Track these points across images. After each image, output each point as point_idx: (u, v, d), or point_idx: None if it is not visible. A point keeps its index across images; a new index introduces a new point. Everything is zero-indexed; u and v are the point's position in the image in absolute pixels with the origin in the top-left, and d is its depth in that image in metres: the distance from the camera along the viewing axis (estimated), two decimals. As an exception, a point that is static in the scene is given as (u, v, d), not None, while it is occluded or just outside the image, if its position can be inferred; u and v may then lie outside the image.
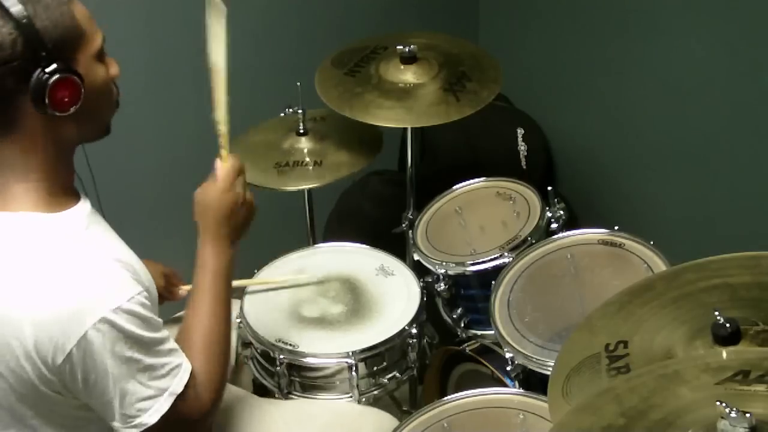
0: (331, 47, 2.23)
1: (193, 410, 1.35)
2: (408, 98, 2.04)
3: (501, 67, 2.13)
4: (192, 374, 1.34)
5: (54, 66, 1.21)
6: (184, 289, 1.83)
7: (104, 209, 1.44)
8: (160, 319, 1.32)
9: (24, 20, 1.18)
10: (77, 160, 1.37)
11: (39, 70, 1.20)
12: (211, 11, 1.44)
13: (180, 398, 1.31)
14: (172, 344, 1.33)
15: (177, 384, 1.31)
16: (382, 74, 2.10)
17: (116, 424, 1.29)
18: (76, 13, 1.25)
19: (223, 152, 1.50)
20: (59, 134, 1.28)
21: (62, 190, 1.31)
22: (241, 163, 1.50)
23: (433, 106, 2.02)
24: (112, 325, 1.22)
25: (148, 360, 1.27)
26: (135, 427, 1.29)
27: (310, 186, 2.13)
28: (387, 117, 2.02)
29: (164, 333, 1.32)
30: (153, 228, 2.46)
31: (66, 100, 1.23)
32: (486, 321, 1.80)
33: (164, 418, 1.29)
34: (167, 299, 1.81)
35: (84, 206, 1.33)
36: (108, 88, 1.33)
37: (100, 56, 1.30)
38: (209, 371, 1.39)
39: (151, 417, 1.29)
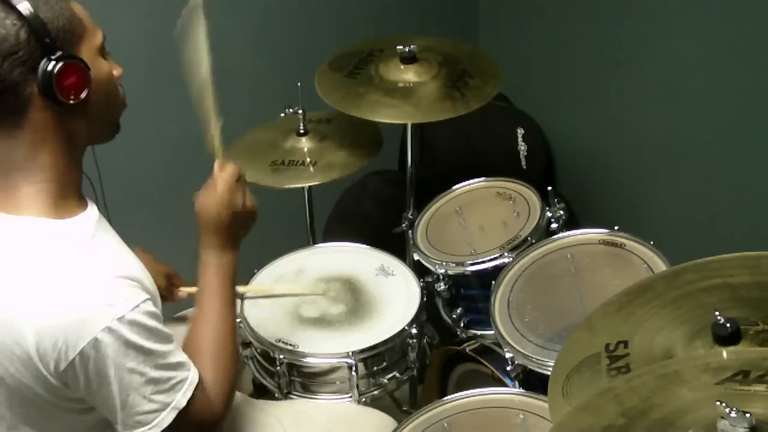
0: (331, 48, 2.23)
1: (198, 420, 1.34)
2: (413, 96, 2.04)
3: (501, 67, 2.13)
4: (199, 386, 1.33)
5: (59, 53, 1.22)
6: (184, 290, 1.83)
7: (108, 208, 1.43)
8: (169, 331, 1.31)
9: (27, 11, 1.19)
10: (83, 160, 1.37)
11: (45, 58, 1.21)
12: (189, 18, 1.47)
13: (184, 412, 1.30)
14: (179, 357, 1.32)
15: (181, 398, 1.30)
16: (383, 75, 2.09)
17: (119, 427, 1.29)
18: (74, 8, 1.27)
19: (219, 158, 1.51)
20: (68, 130, 1.27)
21: (71, 193, 1.30)
22: (240, 168, 1.51)
23: (440, 101, 2.02)
24: (116, 335, 1.21)
25: (153, 373, 1.26)
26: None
27: (303, 185, 2.13)
28: (395, 114, 2.01)
29: (171, 345, 1.30)
30: (156, 226, 2.46)
31: (73, 87, 1.23)
32: (486, 321, 1.80)
33: (170, 427, 1.29)
34: (166, 300, 1.80)
35: (92, 213, 1.32)
36: (113, 85, 1.34)
37: (103, 53, 1.31)
38: (219, 378, 1.39)
39: (153, 429, 1.28)
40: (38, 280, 1.22)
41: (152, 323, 1.26)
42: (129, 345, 1.23)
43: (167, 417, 1.29)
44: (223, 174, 1.48)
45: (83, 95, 1.25)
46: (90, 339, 1.20)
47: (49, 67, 1.21)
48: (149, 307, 1.26)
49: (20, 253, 1.24)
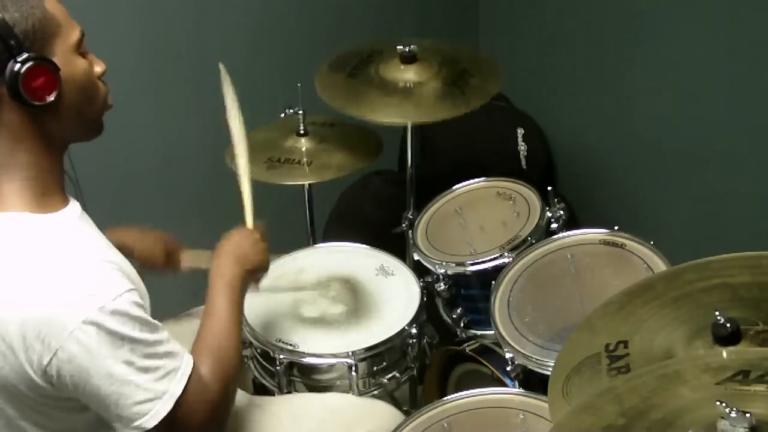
0: (330, 48, 2.23)
1: (196, 414, 1.32)
2: (413, 95, 2.04)
3: (501, 67, 2.13)
4: (194, 377, 1.31)
5: (26, 54, 1.21)
6: (187, 254, 1.82)
7: (89, 210, 1.43)
8: (156, 322, 1.29)
9: None
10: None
11: (12, 60, 1.20)
12: (224, 82, 1.69)
13: (180, 401, 1.28)
14: (170, 346, 1.30)
15: (175, 387, 1.28)
16: (383, 75, 2.09)
17: (117, 425, 1.28)
18: (48, 6, 1.25)
19: (249, 218, 1.67)
20: (43, 129, 1.26)
21: (53, 190, 1.30)
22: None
23: (441, 100, 2.01)
24: (98, 326, 1.20)
25: (141, 362, 1.24)
26: (135, 428, 1.27)
27: (296, 182, 2.13)
28: (395, 114, 2.01)
29: (159, 335, 1.29)
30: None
31: (41, 88, 1.22)
32: (486, 321, 1.80)
33: (167, 422, 1.27)
34: (168, 270, 1.80)
35: (74, 208, 1.32)
36: (91, 84, 1.32)
37: (81, 52, 1.30)
38: (218, 372, 1.37)
39: (150, 421, 1.26)
40: (21, 273, 1.22)
41: (136, 312, 1.24)
42: (112, 335, 1.21)
43: (162, 407, 1.26)
44: (262, 231, 1.65)
45: (52, 96, 1.24)
46: (71, 331, 1.19)
47: (15, 69, 1.20)
48: (133, 296, 1.25)
49: (3, 247, 1.24)
